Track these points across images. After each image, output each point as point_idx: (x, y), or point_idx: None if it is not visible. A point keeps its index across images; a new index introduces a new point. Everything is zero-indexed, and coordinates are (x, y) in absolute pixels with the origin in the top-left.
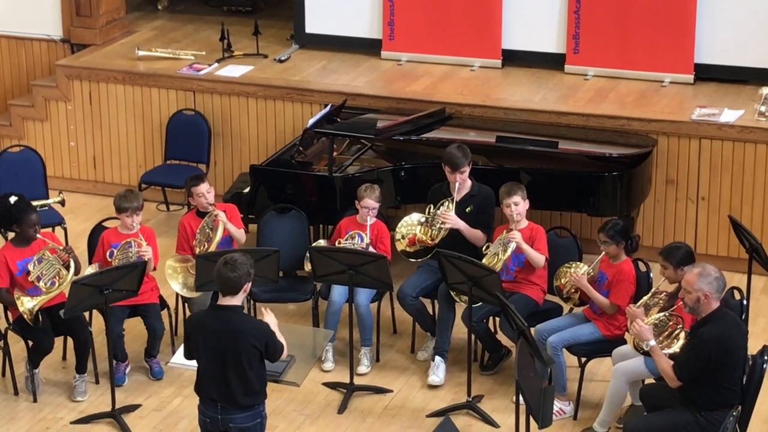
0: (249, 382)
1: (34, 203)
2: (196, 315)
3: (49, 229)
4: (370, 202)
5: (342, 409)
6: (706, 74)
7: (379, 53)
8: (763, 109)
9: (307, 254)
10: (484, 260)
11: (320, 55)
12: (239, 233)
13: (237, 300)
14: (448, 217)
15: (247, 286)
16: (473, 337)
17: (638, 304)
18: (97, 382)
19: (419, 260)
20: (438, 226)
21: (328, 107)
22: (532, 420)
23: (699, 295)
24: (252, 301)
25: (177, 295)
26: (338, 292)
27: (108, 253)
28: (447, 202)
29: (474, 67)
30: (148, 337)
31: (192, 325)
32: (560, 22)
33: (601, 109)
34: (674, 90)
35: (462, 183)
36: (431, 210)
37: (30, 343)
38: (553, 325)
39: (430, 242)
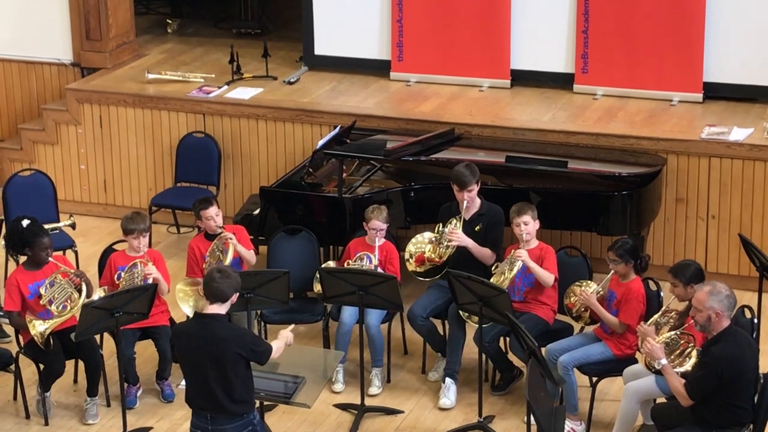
0: (234, 390)
1: (45, 226)
2: (180, 325)
3: (61, 253)
4: (377, 223)
5: (353, 430)
6: (715, 93)
7: (388, 74)
8: None
9: (317, 275)
10: (491, 279)
11: (329, 76)
12: (249, 255)
13: (222, 309)
14: (455, 234)
15: (235, 298)
16: (484, 357)
17: (649, 322)
18: (108, 405)
19: (429, 280)
20: (445, 244)
21: (338, 128)
22: None
23: (710, 314)
24: (263, 323)
25: (188, 317)
26: (348, 313)
27: (116, 276)
28: (455, 221)
29: (483, 87)
30: (159, 359)
31: (176, 334)
32: (569, 42)
33: (610, 128)
34: (683, 109)
35: (470, 202)
36: (440, 229)
37: (41, 366)
38: (564, 344)
39: (438, 260)
